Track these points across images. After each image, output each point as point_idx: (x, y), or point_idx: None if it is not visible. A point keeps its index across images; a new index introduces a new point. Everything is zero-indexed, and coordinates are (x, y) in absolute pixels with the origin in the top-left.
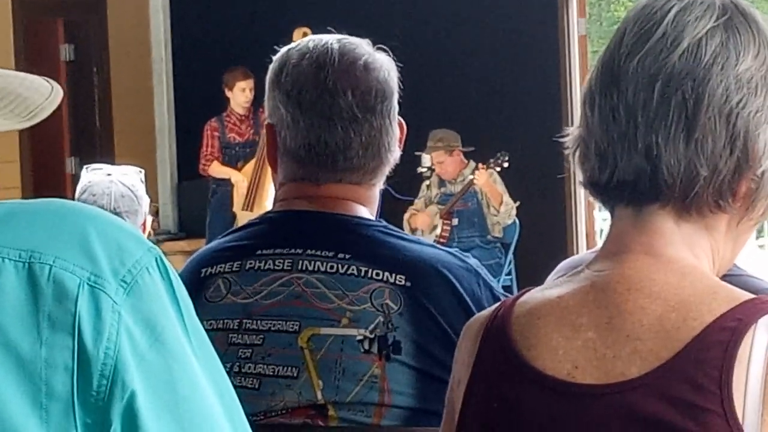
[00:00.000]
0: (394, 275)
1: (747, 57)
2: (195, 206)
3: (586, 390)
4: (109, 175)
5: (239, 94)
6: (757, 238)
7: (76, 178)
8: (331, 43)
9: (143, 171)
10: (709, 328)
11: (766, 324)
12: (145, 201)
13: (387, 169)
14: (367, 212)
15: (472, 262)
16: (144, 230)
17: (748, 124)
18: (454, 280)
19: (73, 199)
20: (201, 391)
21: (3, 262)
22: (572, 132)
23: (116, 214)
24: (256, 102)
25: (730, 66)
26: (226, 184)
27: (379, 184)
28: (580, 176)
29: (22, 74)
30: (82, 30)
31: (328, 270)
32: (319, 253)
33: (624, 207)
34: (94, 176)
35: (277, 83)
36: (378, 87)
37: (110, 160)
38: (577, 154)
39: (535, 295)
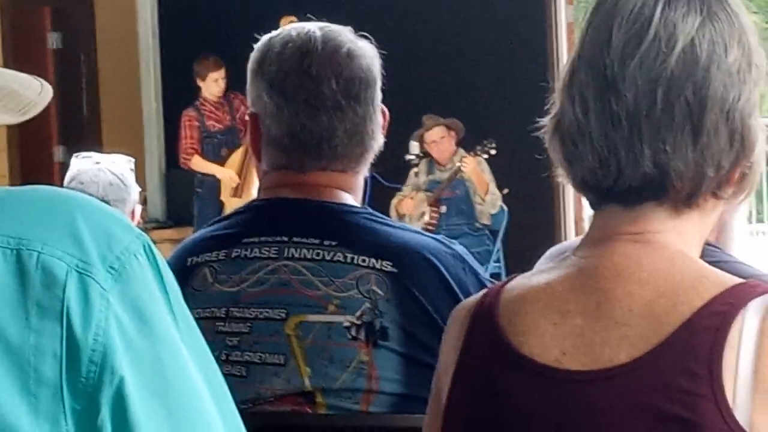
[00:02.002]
0: (380, 261)
1: (733, 48)
2: (183, 195)
3: (574, 376)
4: (97, 163)
5: (212, 85)
6: (748, 224)
7: (64, 167)
8: (314, 31)
9: (133, 159)
10: (699, 313)
11: (755, 308)
12: (134, 189)
13: (371, 157)
14: (351, 199)
15: (458, 248)
16: (133, 219)
17: (743, 116)
18: (440, 266)
19: (61, 187)
20: (189, 377)
21: None
22: (549, 124)
23: (104, 202)
24: (228, 88)
25: (723, 61)
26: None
27: (364, 172)
28: (568, 171)
29: (12, 71)
30: (70, 18)
31: (315, 257)
32: (305, 240)
33: (618, 204)
34: (83, 164)
35: (259, 72)
36: (361, 75)
37: (98, 148)
38: (560, 150)
39: (523, 281)
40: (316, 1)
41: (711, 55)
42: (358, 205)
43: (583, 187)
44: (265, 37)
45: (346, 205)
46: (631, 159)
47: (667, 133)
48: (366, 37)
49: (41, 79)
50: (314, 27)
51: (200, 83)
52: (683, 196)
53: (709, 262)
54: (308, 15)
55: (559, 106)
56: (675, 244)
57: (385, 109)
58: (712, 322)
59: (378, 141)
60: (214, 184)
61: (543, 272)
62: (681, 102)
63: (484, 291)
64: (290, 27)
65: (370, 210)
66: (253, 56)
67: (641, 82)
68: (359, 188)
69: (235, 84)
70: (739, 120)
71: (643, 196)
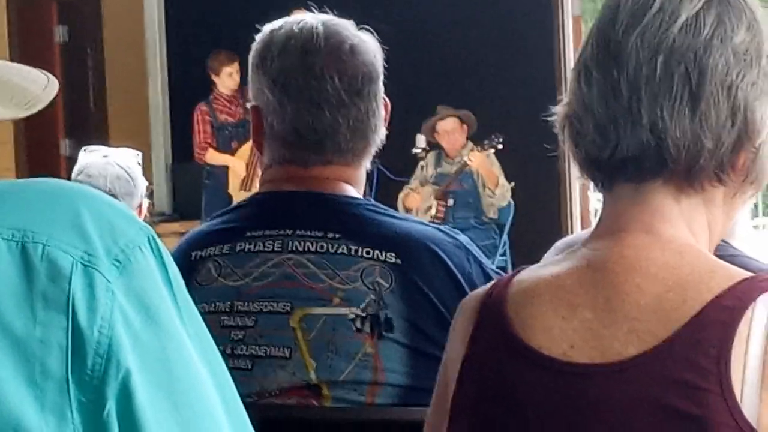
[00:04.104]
0: (384, 253)
1: (741, 30)
2: (189, 188)
3: (582, 369)
4: (105, 156)
5: (227, 79)
6: (752, 218)
7: (70, 160)
8: (316, 26)
9: (140, 153)
10: (708, 307)
11: (765, 302)
12: (142, 183)
13: (374, 150)
14: (355, 192)
15: (462, 238)
16: (140, 213)
17: (747, 96)
18: (444, 257)
19: (68, 180)
20: (194, 369)
21: None
22: (560, 110)
23: (112, 196)
24: (242, 81)
25: (728, 39)
26: (221, 167)
27: (366, 164)
28: (575, 154)
29: (18, 65)
30: (76, 11)
31: (318, 250)
32: (308, 233)
33: (623, 184)
34: (91, 158)
35: (262, 67)
36: (364, 70)
37: (104, 141)
38: (569, 131)
39: (531, 273)
40: None
41: (715, 29)
42: (361, 197)
43: (586, 163)
44: (266, 29)
45: (349, 197)
46: (629, 127)
47: (666, 100)
48: (368, 31)
49: (48, 73)
50: (316, 21)
51: (214, 78)
52: (682, 170)
53: (717, 256)
54: (319, 8)
55: (569, 90)
56: (684, 237)
57: (387, 101)
58: (720, 317)
59: (380, 134)
60: (222, 176)
61: (552, 264)
62: (680, 69)
63: (492, 282)
64: (293, 20)
65: (373, 202)
66: (255, 49)
67: (642, 50)
68: (362, 180)
69: (245, 79)
70: (742, 99)
71: (643, 168)
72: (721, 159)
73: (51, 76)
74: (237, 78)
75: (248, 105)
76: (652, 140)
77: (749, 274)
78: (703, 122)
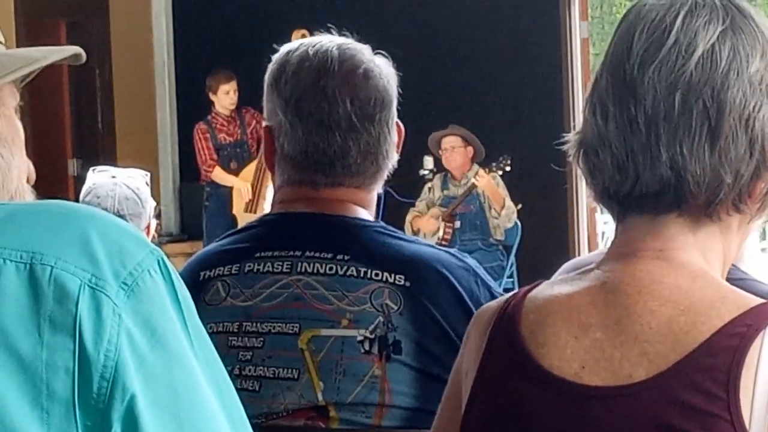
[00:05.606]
0: (393, 275)
1: (755, 59)
2: (197, 208)
3: (592, 391)
4: (113, 177)
5: (224, 97)
6: (760, 241)
7: (78, 180)
8: (331, 50)
9: (149, 174)
10: (718, 333)
11: None
12: (150, 204)
13: (385, 174)
14: (366, 214)
15: (470, 261)
16: (148, 234)
17: (764, 127)
18: (452, 280)
19: (76, 200)
20: (202, 393)
21: (4, 264)
22: (573, 139)
23: (120, 216)
24: (239, 102)
25: (744, 70)
26: (223, 187)
27: (377, 188)
28: (591, 185)
29: (26, 50)
30: (85, 32)
31: (327, 271)
32: (317, 254)
33: (640, 215)
34: (99, 178)
35: (275, 88)
36: (377, 96)
37: (112, 162)
38: (584, 163)
39: (546, 291)
40: (330, 15)
41: (731, 62)
42: (372, 220)
43: (603, 196)
44: (282, 50)
45: (358, 219)
46: (648, 163)
47: (685, 137)
48: (383, 55)
49: (64, 49)
50: (332, 45)
51: (212, 97)
52: (701, 204)
53: (726, 279)
54: (323, 29)
55: (582, 120)
56: (697, 263)
57: (401, 126)
58: (730, 343)
59: (392, 159)
60: (223, 197)
61: (566, 283)
62: (699, 106)
63: (507, 296)
64: (308, 42)
65: (383, 224)
66: (270, 69)
67: (660, 86)
68: (373, 204)
69: (246, 99)
70: (759, 129)
71: (661, 203)
72: (740, 190)
73: (66, 49)
74: (234, 97)
75: (263, 123)
76: (671, 176)
77: (760, 300)
78: (722, 157)
